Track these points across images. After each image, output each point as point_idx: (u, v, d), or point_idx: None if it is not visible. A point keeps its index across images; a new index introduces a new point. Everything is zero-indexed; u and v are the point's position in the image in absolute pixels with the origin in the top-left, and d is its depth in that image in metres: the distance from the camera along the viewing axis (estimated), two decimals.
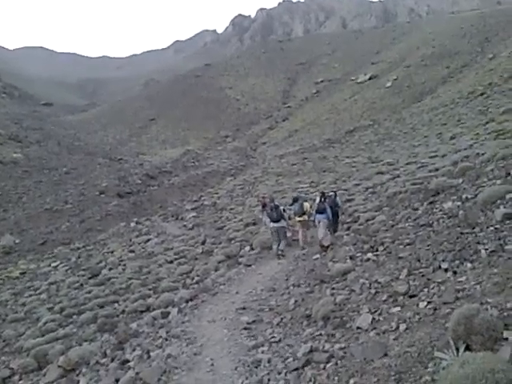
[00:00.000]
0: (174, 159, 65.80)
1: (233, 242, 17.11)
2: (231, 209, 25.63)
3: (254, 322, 8.25)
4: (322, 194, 14.05)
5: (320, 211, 13.48)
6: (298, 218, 14.35)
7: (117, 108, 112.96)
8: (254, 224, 18.97)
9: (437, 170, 16.60)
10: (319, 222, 13.38)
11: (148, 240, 23.20)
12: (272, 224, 13.78)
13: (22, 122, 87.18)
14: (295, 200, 14.78)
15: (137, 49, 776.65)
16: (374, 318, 5.90)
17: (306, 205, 14.37)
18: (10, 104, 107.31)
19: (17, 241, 32.68)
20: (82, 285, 17.29)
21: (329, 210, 13.51)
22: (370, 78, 77.02)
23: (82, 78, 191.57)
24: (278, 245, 13.56)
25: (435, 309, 5.17)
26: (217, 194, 34.55)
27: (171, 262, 17.07)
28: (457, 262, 6.15)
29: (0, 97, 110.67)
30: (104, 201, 42.11)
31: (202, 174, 50.21)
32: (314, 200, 15.41)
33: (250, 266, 13.17)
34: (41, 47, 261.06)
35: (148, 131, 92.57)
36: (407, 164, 22.65)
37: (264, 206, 17.86)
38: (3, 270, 24.91)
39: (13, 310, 16.09)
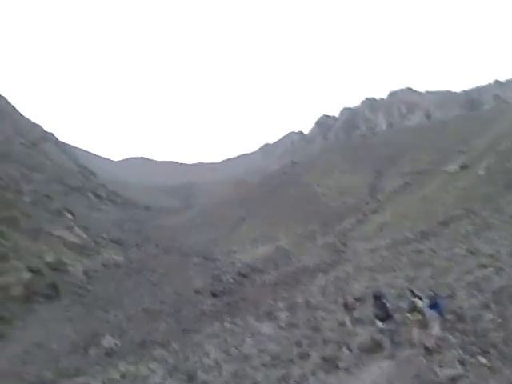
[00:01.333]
0: (265, 257, 66.54)
1: (329, 343, 16.59)
2: (325, 307, 25.07)
3: None
4: (411, 291, 13.47)
5: (431, 306, 12.71)
6: (408, 316, 13.45)
7: (209, 209, 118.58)
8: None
9: None
10: (428, 319, 12.64)
11: (242, 341, 23.09)
12: (379, 323, 13.10)
13: (123, 225, 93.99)
14: (377, 297, 13.82)
15: (229, 153, 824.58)
16: None
17: (418, 301, 13.32)
18: (113, 209, 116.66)
19: (117, 342, 33.83)
20: None
21: (442, 305, 12.82)
22: (460, 167, 74.90)
23: (179, 183, 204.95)
24: (388, 345, 12.91)
25: None
26: (309, 291, 34.07)
27: (266, 365, 16.79)
28: None
29: (104, 203, 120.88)
30: (199, 300, 43.08)
31: (293, 270, 50.05)
32: (402, 296, 14.86)
33: (349, 370, 12.66)
34: (142, 157, 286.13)
35: (239, 230, 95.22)
36: (511, 256, 21.25)
37: (346, 306, 17.91)
38: (104, 372, 25.70)
39: None
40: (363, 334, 15.52)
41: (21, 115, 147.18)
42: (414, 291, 13.69)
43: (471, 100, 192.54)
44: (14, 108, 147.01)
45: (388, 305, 13.30)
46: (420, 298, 13.38)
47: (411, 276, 25.88)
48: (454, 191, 64.43)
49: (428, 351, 11.23)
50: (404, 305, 13.69)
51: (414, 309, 13.07)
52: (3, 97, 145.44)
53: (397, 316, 13.72)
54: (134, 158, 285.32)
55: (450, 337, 11.93)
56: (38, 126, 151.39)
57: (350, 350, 14.62)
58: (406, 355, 12.36)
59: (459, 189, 64.11)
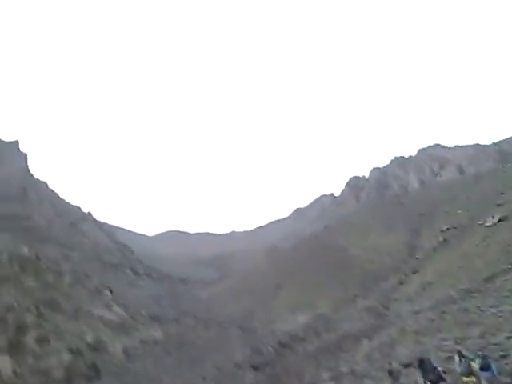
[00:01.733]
0: (305, 324, 64.90)
1: None
2: (372, 375, 24.07)
3: None
4: (460, 354, 12.99)
5: (484, 368, 12.22)
6: (464, 379, 12.81)
7: (245, 278, 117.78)
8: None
9: None
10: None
11: None
12: None
13: (160, 300, 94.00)
14: (421, 363, 13.47)
15: (261, 220, 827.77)
16: None
17: (473, 364, 12.80)
18: (150, 284, 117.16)
19: None
20: None
21: (495, 367, 12.24)
22: (499, 221, 72.84)
23: (213, 254, 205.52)
24: None
25: None
26: (353, 358, 32.86)
27: None
28: None
29: (142, 278, 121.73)
30: (240, 374, 41.95)
31: (335, 337, 48.53)
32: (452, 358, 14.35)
33: None
34: (176, 231, 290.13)
35: (276, 298, 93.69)
36: None
37: (391, 373, 18.06)
38: None
39: None
40: None
41: (59, 198, 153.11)
42: (463, 353, 13.14)
43: (502, 151, 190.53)
44: (53, 191, 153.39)
45: (439, 368, 12.85)
46: (472, 360, 12.87)
47: (459, 337, 24.80)
48: (495, 245, 62.43)
49: None
50: (457, 367, 13.04)
51: (470, 372, 12.52)
52: (44, 182, 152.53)
53: (449, 380, 13.10)
54: (169, 231, 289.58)
55: None
56: (77, 207, 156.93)
57: None
58: None
59: (500, 242, 62.12)
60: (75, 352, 44.72)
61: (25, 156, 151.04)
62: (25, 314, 47.95)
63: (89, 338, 52.29)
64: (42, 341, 44.85)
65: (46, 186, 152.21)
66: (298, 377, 34.97)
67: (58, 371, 41.62)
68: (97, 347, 51.22)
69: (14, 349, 42.63)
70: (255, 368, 43.05)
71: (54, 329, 49.09)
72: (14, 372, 38.49)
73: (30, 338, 44.51)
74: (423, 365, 14.36)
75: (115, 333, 59.79)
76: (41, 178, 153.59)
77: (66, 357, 43.13)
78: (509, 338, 19.82)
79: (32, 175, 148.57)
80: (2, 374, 37.20)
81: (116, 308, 68.04)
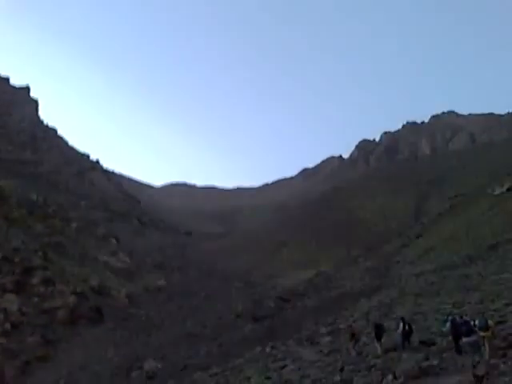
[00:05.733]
0: (307, 281, 65.77)
1: (373, 369, 16.05)
2: (368, 333, 24.35)
3: None
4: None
5: (465, 333, 13.48)
6: (482, 334, 13.54)
7: (250, 234, 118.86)
8: (395, 350, 17.77)
9: None
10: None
11: (284, 366, 22.62)
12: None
13: (165, 250, 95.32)
14: (377, 328, 18.26)
15: (268, 177, 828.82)
16: None
17: (490, 321, 13.82)
18: (156, 235, 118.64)
19: (159, 365, 33.92)
20: None
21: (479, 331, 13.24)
22: (508, 190, 72.12)
23: (219, 208, 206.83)
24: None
25: None
26: (352, 316, 33.25)
27: None
28: None
29: (147, 229, 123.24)
30: (240, 325, 42.81)
31: (335, 295, 49.12)
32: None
33: None
34: (184, 183, 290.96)
35: (280, 254, 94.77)
36: None
37: (353, 335, 19.70)
38: None
39: None
40: (409, 361, 14.96)
41: (68, 145, 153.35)
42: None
43: None
44: (62, 139, 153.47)
45: (472, 322, 13.84)
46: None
47: (458, 301, 24.92)
48: (502, 214, 62.13)
49: (477, 378, 10.68)
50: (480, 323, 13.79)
51: (486, 327, 13.47)
52: (53, 129, 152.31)
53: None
54: (176, 183, 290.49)
55: (502, 365, 11.35)
56: (85, 155, 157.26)
57: (395, 377, 14.08)
58: (454, 382, 11.81)
59: (507, 211, 61.78)
60: (80, 295, 45.78)
61: (35, 102, 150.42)
62: (32, 257, 48.88)
63: (93, 282, 53.42)
64: (47, 283, 45.93)
65: (56, 132, 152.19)
66: (296, 330, 35.56)
67: (63, 312, 42.74)
68: (101, 292, 52.42)
69: (21, 289, 43.75)
70: (255, 320, 43.88)
71: (59, 272, 50.15)
72: (20, 310, 39.58)
73: (36, 280, 45.56)
74: (379, 330, 18.62)
75: (120, 279, 61.06)
76: (50, 125, 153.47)
77: (71, 299, 44.18)
78: (507, 304, 19.85)
79: (42, 122, 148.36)
80: (9, 311, 38.26)
81: (121, 255, 69.25)
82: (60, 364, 34.82)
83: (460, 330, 14.67)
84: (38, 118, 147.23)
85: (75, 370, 33.72)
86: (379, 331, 18.84)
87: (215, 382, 23.87)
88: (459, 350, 14.78)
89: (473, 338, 13.30)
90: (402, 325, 17.84)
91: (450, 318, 16.14)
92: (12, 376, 32.28)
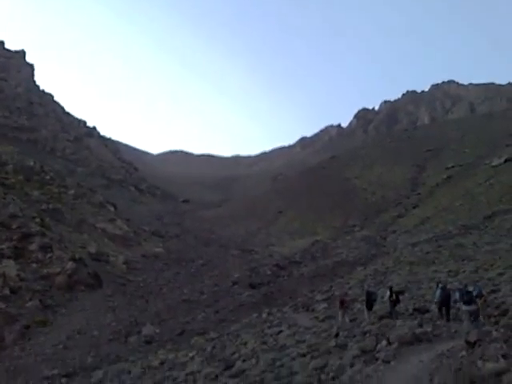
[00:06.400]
0: (303, 249, 66.37)
1: (368, 335, 16.32)
2: (363, 300, 24.71)
3: None
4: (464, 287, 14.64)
5: (467, 301, 13.42)
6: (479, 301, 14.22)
7: (248, 202, 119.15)
8: (390, 317, 18.06)
9: None
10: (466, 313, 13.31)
11: (280, 332, 23.02)
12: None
13: (163, 218, 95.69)
14: (368, 295, 19.47)
15: (266, 146, 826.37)
16: None
17: (483, 290, 14.82)
18: (153, 202, 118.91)
19: (157, 330, 34.43)
20: (217, 376, 17.44)
21: (479, 300, 13.77)
22: (505, 161, 72.12)
23: (217, 176, 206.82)
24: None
25: None
26: (347, 284, 33.70)
27: (304, 355, 16.58)
28: None
29: (145, 196, 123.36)
30: (237, 291, 43.39)
31: (331, 263, 49.64)
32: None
33: (388, 362, 12.33)
34: (181, 151, 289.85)
35: (277, 223, 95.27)
36: None
37: (343, 303, 20.30)
38: (144, 358, 26.20)
39: None
40: (403, 327, 15.21)
41: (65, 111, 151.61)
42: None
43: None
44: (59, 104, 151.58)
45: (475, 292, 14.14)
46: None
47: (453, 270, 25.24)
48: (498, 185, 62.33)
49: (469, 345, 10.85)
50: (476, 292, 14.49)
51: (480, 296, 14.23)
52: (50, 94, 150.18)
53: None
54: (173, 151, 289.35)
55: (494, 332, 11.52)
56: (82, 121, 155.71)
57: (389, 343, 14.31)
58: (446, 348, 12.00)
59: (504, 182, 61.97)
60: (78, 261, 46.00)
61: (31, 67, 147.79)
62: (29, 223, 48.89)
63: (91, 249, 53.66)
64: (45, 249, 46.06)
65: (52, 98, 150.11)
66: (292, 296, 36.11)
67: (61, 278, 43.04)
68: (99, 258, 52.69)
69: (19, 255, 43.92)
70: (252, 287, 44.48)
71: (57, 238, 50.26)
72: (18, 276, 39.83)
73: (34, 246, 45.68)
74: (370, 297, 19.52)
75: (117, 246, 61.38)
76: (47, 90, 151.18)
77: (69, 265, 44.41)
78: (501, 274, 20.11)
79: (38, 87, 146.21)
80: (7, 277, 38.51)
81: (119, 222, 69.36)
82: (59, 329, 35.26)
83: (448, 298, 15.51)
84: (34, 83, 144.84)
85: (74, 335, 34.17)
86: (370, 299, 19.63)
87: (212, 347, 24.28)
88: (448, 318, 15.57)
89: (473, 307, 13.53)
90: (388, 293, 18.66)
91: (439, 285, 16.73)
92: (12, 340, 32.72)
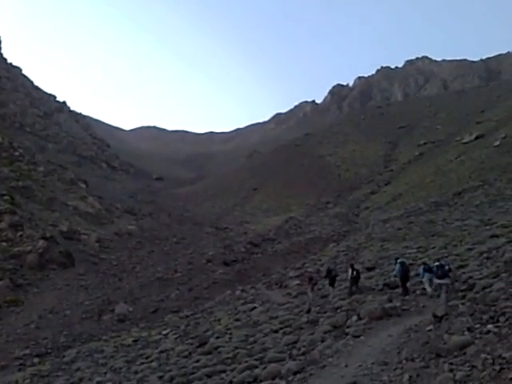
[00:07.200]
0: (277, 227, 66.76)
1: (339, 311, 16.63)
2: (325, 277, 25.10)
3: None
4: (438, 261, 14.94)
5: (440, 276, 14.02)
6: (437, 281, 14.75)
7: (222, 180, 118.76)
8: (361, 292, 18.40)
9: None
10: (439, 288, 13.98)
11: (253, 308, 23.28)
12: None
13: (136, 195, 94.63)
14: (329, 272, 20.73)
15: (240, 122, 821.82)
16: None
17: (451, 266, 15.21)
18: (126, 179, 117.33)
19: (130, 309, 34.41)
20: (190, 353, 17.56)
21: (451, 275, 14.35)
22: (476, 138, 73.34)
23: (191, 153, 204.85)
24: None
25: None
26: (320, 260, 34.13)
27: (276, 331, 16.84)
28: None
29: (117, 173, 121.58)
30: (211, 269, 43.51)
31: (304, 240, 50.15)
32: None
33: (358, 337, 12.60)
34: (154, 127, 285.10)
35: (251, 200, 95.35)
36: None
37: (310, 280, 20.72)
38: (117, 337, 26.17)
39: (126, 378, 16.62)
40: (373, 302, 15.50)
41: (34, 85, 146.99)
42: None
43: (490, 69, 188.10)
44: (28, 78, 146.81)
45: (447, 267, 14.48)
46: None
47: (423, 246, 25.73)
48: (469, 162, 63.46)
49: (437, 319, 11.14)
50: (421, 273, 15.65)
51: (449, 270, 14.51)
52: (18, 67, 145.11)
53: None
54: (146, 127, 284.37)
55: (460, 306, 11.83)
56: (52, 96, 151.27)
57: (360, 318, 14.60)
58: (415, 323, 12.30)
59: (474, 159, 63.12)
60: (49, 239, 45.33)
61: None
62: None
63: (63, 227, 52.89)
64: (15, 227, 45.24)
65: (20, 71, 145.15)
66: (265, 273, 36.46)
67: (32, 256, 42.44)
68: (71, 236, 52.05)
69: None
70: (225, 264, 44.67)
71: (28, 216, 49.34)
72: None
73: (3, 224, 44.85)
74: (329, 274, 20.61)
75: (90, 224, 60.59)
76: (15, 63, 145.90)
77: (41, 244, 43.75)
78: (469, 249, 20.56)
79: (5, 60, 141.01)
80: None
81: (91, 200, 68.32)
82: (31, 308, 34.89)
83: (408, 273, 16.59)
84: (1, 55, 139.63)
85: (46, 314, 33.88)
86: (330, 275, 20.65)
87: (186, 324, 24.40)
88: (406, 292, 16.28)
89: (446, 281, 14.01)
90: (350, 271, 19.26)
91: (398, 260, 17.33)
92: None
